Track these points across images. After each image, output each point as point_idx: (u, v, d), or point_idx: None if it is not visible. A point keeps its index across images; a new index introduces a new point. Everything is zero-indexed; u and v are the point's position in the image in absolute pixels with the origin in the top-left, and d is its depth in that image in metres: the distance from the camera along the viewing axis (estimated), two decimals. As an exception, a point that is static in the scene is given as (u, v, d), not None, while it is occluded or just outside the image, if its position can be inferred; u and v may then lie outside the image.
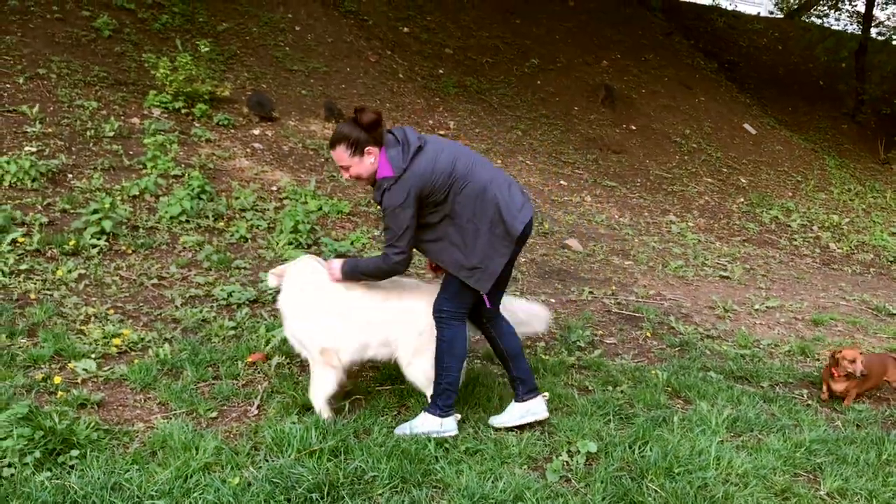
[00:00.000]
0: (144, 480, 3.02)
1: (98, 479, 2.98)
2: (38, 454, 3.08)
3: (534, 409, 4.02)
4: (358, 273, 3.76)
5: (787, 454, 4.04)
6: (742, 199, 13.34)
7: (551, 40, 16.96)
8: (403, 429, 3.81)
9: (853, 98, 20.44)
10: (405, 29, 15.29)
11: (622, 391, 4.74)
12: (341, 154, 3.59)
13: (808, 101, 20.87)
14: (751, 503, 3.49)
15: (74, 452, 3.18)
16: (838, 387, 5.02)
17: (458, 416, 3.96)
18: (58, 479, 3.00)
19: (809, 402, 5.06)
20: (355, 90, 12.35)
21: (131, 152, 8.08)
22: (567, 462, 3.70)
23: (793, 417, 4.66)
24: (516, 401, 4.05)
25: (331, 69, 12.61)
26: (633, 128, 14.91)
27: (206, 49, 10.94)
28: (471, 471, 3.44)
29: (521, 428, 3.98)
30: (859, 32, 21.78)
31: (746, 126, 16.94)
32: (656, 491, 3.49)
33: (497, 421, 4.04)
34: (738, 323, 6.87)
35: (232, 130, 9.79)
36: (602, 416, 4.25)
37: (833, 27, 25.58)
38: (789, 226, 12.53)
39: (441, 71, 14.41)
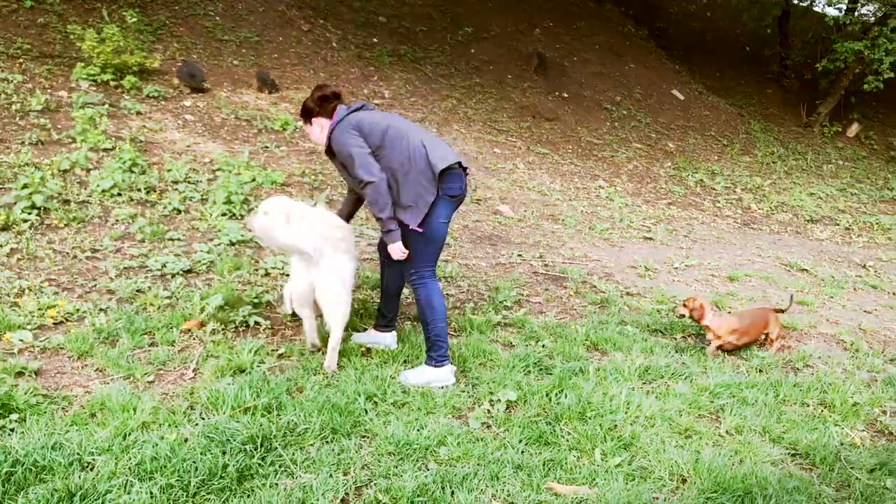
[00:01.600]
0: (84, 439, 3.17)
1: (38, 440, 3.12)
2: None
3: (388, 341, 4.78)
4: (374, 211, 4.22)
5: (692, 398, 4.39)
6: (669, 164, 13.80)
7: (484, 9, 17.08)
8: (405, 379, 4.28)
9: (777, 63, 21.12)
10: (338, -3, 15.22)
11: (543, 345, 5.03)
12: (301, 122, 4.40)
13: (734, 67, 21.47)
14: (655, 441, 3.81)
15: (14, 416, 3.30)
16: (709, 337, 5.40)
17: (454, 367, 4.45)
18: (1, 438, 3.13)
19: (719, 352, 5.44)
20: (288, 60, 12.31)
21: (59, 126, 7.99)
22: (488, 410, 3.98)
23: (701, 365, 5.03)
24: (375, 328, 4.84)
25: (262, 39, 12.53)
26: (566, 95, 15.20)
27: (134, 20, 10.77)
28: (398, 421, 3.69)
29: (367, 349, 4.66)
30: (783, -1, 22.45)
31: (675, 92, 17.41)
32: (569, 433, 3.79)
33: (355, 337, 4.82)
34: (657, 281, 7.25)
35: (163, 102, 9.72)
36: (523, 369, 4.53)
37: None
38: (714, 188, 13.04)
39: (375, 40, 14.42)
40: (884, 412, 4.60)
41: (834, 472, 3.76)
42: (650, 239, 9.18)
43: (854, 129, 18.72)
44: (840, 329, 6.23)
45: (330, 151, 4.37)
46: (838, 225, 12.15)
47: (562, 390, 4.23)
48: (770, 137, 17.22)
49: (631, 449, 3.73)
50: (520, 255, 7.42)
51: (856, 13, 19.36)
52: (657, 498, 3.32)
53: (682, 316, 5.47)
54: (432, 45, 15.12)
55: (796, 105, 19.39)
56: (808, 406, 4.56)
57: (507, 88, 14.60)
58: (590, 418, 3.95)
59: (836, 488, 3.63)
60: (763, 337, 5.55)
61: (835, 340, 6.00)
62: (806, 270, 8.55)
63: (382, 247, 4.68)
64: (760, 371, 5.10)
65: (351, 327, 4.89)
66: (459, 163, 4.29)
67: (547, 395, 4.18)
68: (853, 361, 5.49)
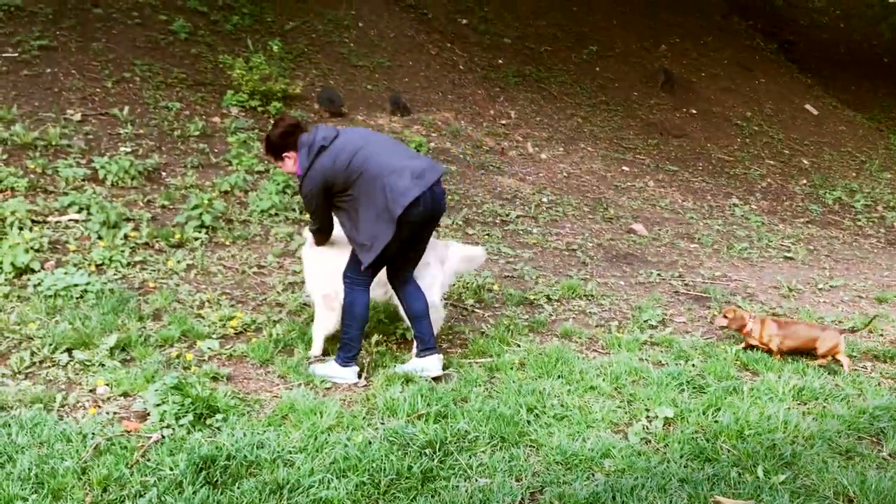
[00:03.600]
0: (282, 439, 3.50)
1: (244, 437, 3.47)
2: (190, 417, 3.60)
3: (428, 366, 4.56)
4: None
5: (850, 419, 4.33)
6: (805, 181, 13.36)
7: (608, 26, 17.10)
8: (312, 370, 4.51)
9: (919, 74, 20.08)
10: (464, 21, 15.62)
11: (693, 364, 5.06)
12: (270, 158, 4.60)
13: (871, 80, 20.54)
14: (817, 461, 3.80)
15: (219, 416, 3.69)
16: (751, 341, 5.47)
17: (357, 368, 4.55)
18: (211, 437, 3.50)
19: (873, 374, 5.30)
20: (418, 83, 12.76)
21: (216, 150, 8.63)
22: (646, 426, 4.07)
23: (856, 387, 4.93)
24: (416, 356, 4.65)
25: (394, 63, 13.03)
26: (694, 111, 15.00)
27: (278, 48, 11.49)
28: (560, 432, 3.84)
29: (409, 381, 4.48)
30: (925, 6, 21.32)
31: (808, 107, 16.84)
32: (729, 450, 3.84)
33: (398, 368, 4.62)
34: (802, 302, 7.09)
35: (306, 126, 10.30)
36: (676, 387, 4.59)
37: (897, 2, 24.97)
38: (853, 206, 12.53)
39: (500, 61, 14.72)
40: None
41: None
42: (790, 259, 8.95)
43: None
44: None
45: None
46: None
47: (718, 408, 4.27)
48: (912, 152, 16.36)
49: (793, 468, 3.74)
50: (658, 275, 7.43)
51: None
52: (827, 517, 3.33)
53: (723, 327, 5.54)
54: (557, 65, 15.27)
55: (940, 118, 18.35)
56: (979, 433, 4.40)
57: (633, 106, 14.55)
58: (748, 437, 3.98)
59: None
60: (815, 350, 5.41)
61: None
62: (962, 291, 8.12)
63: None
64: (923, 396, 4.94)
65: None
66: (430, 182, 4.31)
67: (703, 412, 4.23)
68: None
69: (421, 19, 14.83)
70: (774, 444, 3.96)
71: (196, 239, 6.56)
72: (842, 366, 5.32)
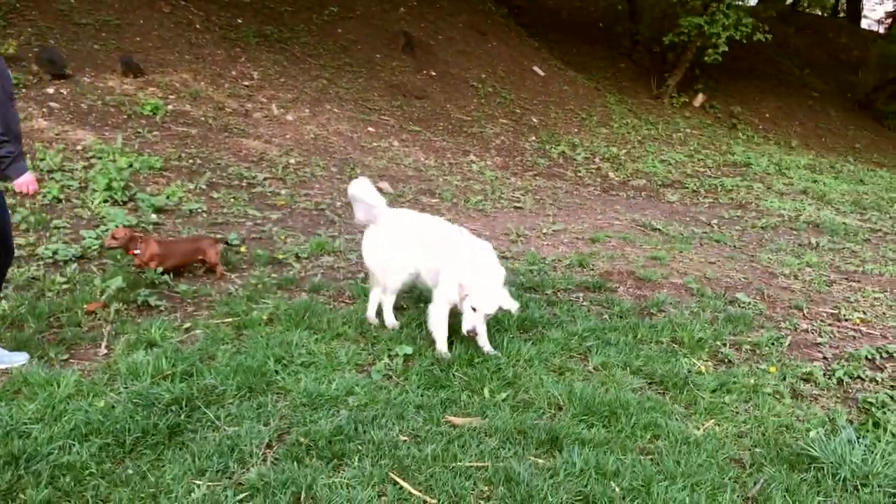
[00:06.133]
0: (16, 412, 3.36)
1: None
2: None
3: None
4: None
5: (563, 342, 4.99)
6: (534, 137, 14.60)
7: (348, -12, 17.27)
8: None
9: (629, 38, 22.49)
10: (198, -22, 14.98)
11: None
12: None
13: (589, 43, 22.68)
14: (535, 379, 4.37)
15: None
16: (137, 261, 5.52)
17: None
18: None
19: (584, 302, 6.09)
20: (151, 43, 12.11)
21: None
22: (388, 364, 4.41)
23: (570, 315, 5.65)
24: None
25: (123, 21, 12.24)
26: (433, 74, 15.69)
27: (-18, 3, 10.35)
28: (307, 378, 4.05)
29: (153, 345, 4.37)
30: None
31: (536, 68, 18.28)
32: (461, 377, 4.29)
33: None
34: (528, 245, 7.88)
35: (24, 90, 9.44)
36: (417, 326, 4.98)
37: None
38: (574, 159, 13.94)
39: (240, 20, 14.35)
40: (724, 344, 5.36)
41: (683, 393, 4.44)
42: (520, 208, 9.84)
43: (699, 99, 20.32)
44: (688, 278, 7.05)
45: None
46: (687, 188, 13.30)
47: (451, 342, 4.71)
48: (625, 109, 18.42)
49: (514, 386, 4.28)
50: (401, 228, 7.84)
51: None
52: (538, 423, 3.86)
53: (112, 247, 5.50)
54: (298, 25, 15.19)
55: (647, 78, 20.76)
56: (662, 343, 5.26)
57: (377, 68, 14.92)
58: (477, 364, 4.46)
59: (685, 406, 4.31)
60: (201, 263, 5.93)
61: (684, 288, 6.80)
62: (659, 230, 9.44)
63: None
64: (621, 317, 5.78)
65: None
66: None
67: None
68: (699, 304, 6.28)
69: (150, -26, 13.99)
70: (500, 367, 4.48)
71: None
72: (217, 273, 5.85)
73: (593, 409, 4.04)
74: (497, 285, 4.47)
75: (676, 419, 4.11)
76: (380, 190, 9.39)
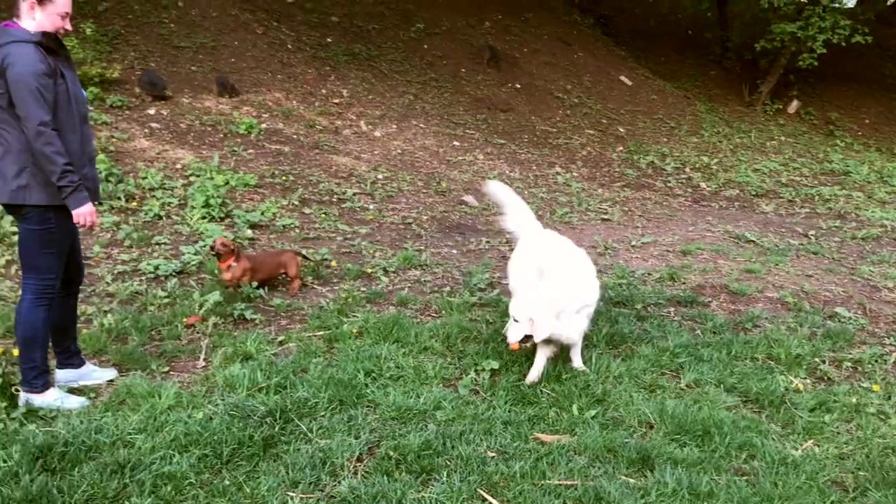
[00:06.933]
0: (121, 422, 3.53)
1: (80, 424, 3.47)
2: (23, 410, 3.58)
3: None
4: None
5: (654, 358, 4.89)
6: (621, 148, 14.39)
7: (433, 4, 17.47)
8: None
9: (719, 45, 21.92)
10: (289, -1, 15.47)
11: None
12: None
13: (678, 51, 22.23)
14: (624, 396, 4.29)
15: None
16: (226, 276, 5.59)
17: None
18: (46, 427, 3.48)
19: (675, 317, 5.95)
20: (245, 63, 12.55)
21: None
22: (475, 378, 4.42)
23: (661, 330, 5.53)
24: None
25: (218, 44, 12.74)
26: (518, 86, 15.69)
27: (91, 31, 10.94)
28: (396, 391, 4.10)
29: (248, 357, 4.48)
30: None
31: (623, 78, 18.04)
32: (549, 393, 4.25)
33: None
34: (616, 258, 7.76)
35: (127, 111, 9.94)
36: (502, 341, 4.97)
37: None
38: (664, 169, 13.66)
39: (329, 40, 14.72)
40: (823, 361, 5.14)
41: (780, 412, 4.28)
42: (608, 220, 9.71)
43: (794, 105, 19.58)
44: (784, 292, 6.79)
45: None
46: (782, 198, 12.84)
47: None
48: (715, 118, 17.95)
49: (604, 403, 4.21)
50: (488, 242, 7.87)
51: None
52: (629, 441, 3.78)
53: (219, 253, 5.51)
54: (386, 43, 15.46)
55: (738, 85, 20.16)
56: (758, 360, 5.09)
57: (462, 82, 15.03)
58: (565, 380, 4.42)
59: (782, 425, 4.15)
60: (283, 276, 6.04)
61: (780, 302, 6.55)
62: (753, 241, 9.14)
63: None
64: (714, 333, 5.62)
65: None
66: None
67: (525, 362, 4.62)
68: (796, 319, 6.04)
69: (244, -2, 14.54)
70: (588, 384, 4.42)
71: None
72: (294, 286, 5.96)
73: (686, 427, 3.94)
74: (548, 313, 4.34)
75: (773, 439, 3.97)
76: (465, 203, 9.49)
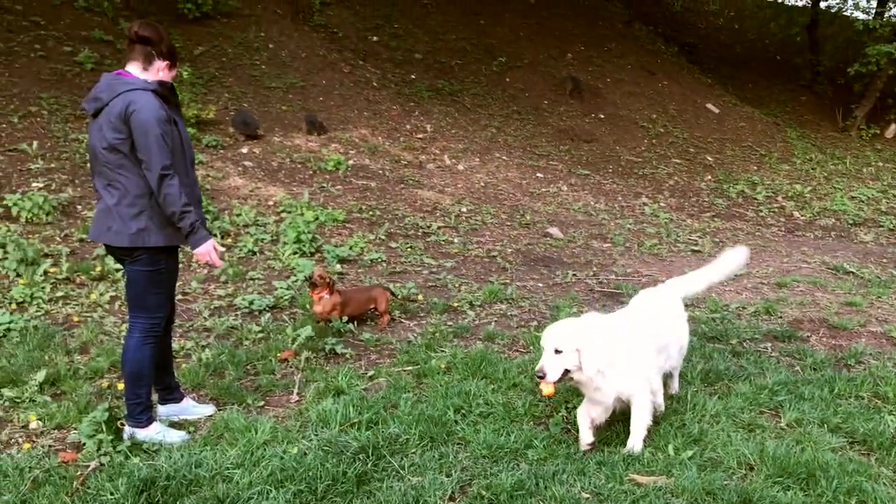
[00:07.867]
0: (219, 456, 3.62)
1: (181, 458, 3.58)
2: (128, 443, 3.72)
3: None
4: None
5: (752, 396, 4.70)
6: (709, 177, 14.07)
7: (516, 38, 17.62)
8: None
9: (809, 70, 21.29)
10: (374, 38, 15.87)
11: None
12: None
13: (766, 77, 21.70)
14: (722, 436, 4.14)
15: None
16: (317, 308, 5.65)
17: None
18: (149, 461, 3.60)
19: (773, 353, 5.73)
20: (333, 101, 12.90)
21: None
22: (566, 416, 4.34)
23: (758, 367, 5.33)
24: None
25: (307, 83, 13.15)
26: (602, 116, 15.60)
27: (188, 74, 11.46)
28: (486, 429, 4.07)
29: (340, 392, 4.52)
30: (810, 6, 22.63)
31: (709, 105, 17.70)
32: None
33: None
34: (709, 291, 7.54)
35: (221, 151, 10.33)
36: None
37: (786, 2, 26.49)
38: (755, 198, 13.27)
39: (413, 76, 15.01)
40: (938, 401, 4.84)
41: (891, 455, 4.04)
42: (698, 252, 9.48)
43: (892, 130, 18.76)
44: (889, 326, 6.45)
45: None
46: (882, 227, 12.28)
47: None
48: (807, 144, 17.38)
49: (700, 444, 4.06)
50: (574, 275, 7.79)
51: (885, 16, 19.50)
52: (728, 484, 3.64)
53: (318, 283, 5.57)
54: (468, 78, 15.66)
55: (831, 110, 19.51)
56: (863, 398, 4.83)
57: (544, 114, 15.05)
58: (660, 418, 4.29)
59: (894, 469, 3.91)
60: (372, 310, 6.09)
61: (885, 337, 6.23)
62: (852, 273, 8.76)
63: None
64: (815, 369, 5.38)
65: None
66: None
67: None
68: (905, 356, 5.73)
69: (331, 38, 15.00)
70: (684, 423, 4.28)
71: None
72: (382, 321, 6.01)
73: (788, 470, 3.76)
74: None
75: (884, 484, 3.74)
76: (549, 235, 9.43)
